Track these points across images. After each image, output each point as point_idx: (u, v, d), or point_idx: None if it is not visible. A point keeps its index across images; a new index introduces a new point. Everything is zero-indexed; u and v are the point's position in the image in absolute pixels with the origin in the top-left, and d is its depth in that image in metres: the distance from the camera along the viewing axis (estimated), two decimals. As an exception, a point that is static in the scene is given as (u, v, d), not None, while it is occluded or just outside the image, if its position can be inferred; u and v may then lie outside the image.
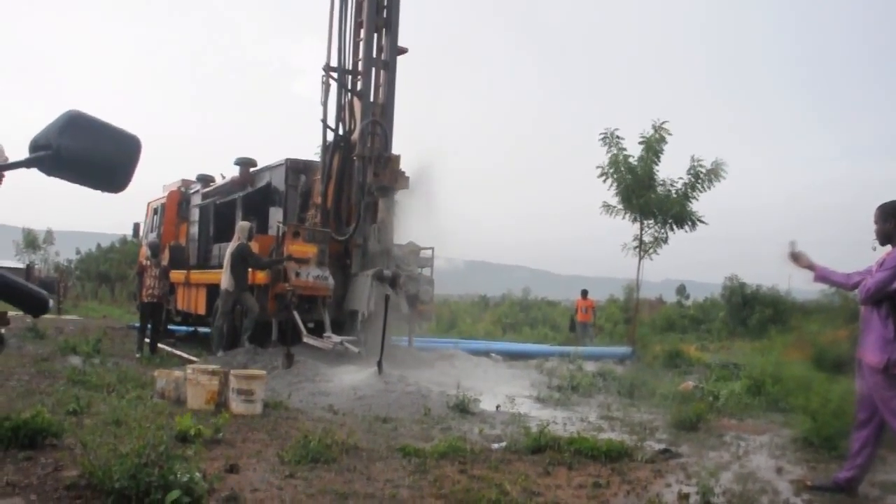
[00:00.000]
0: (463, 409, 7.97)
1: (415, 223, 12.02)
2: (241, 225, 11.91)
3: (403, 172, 11.98)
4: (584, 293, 22.22)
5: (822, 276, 5.55)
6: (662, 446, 6.62)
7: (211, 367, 7.91)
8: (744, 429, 7.99)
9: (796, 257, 5.56)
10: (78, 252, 46.38)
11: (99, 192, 2.07)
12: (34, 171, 1.98)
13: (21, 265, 34.68)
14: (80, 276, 41.11)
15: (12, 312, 2.90)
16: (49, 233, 48.54)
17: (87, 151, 1.95)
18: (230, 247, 11.58)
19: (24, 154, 2.00)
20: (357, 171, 12.00)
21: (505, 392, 8.92)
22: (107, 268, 39.99)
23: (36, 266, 37.52)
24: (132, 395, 7.72)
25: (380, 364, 9.38)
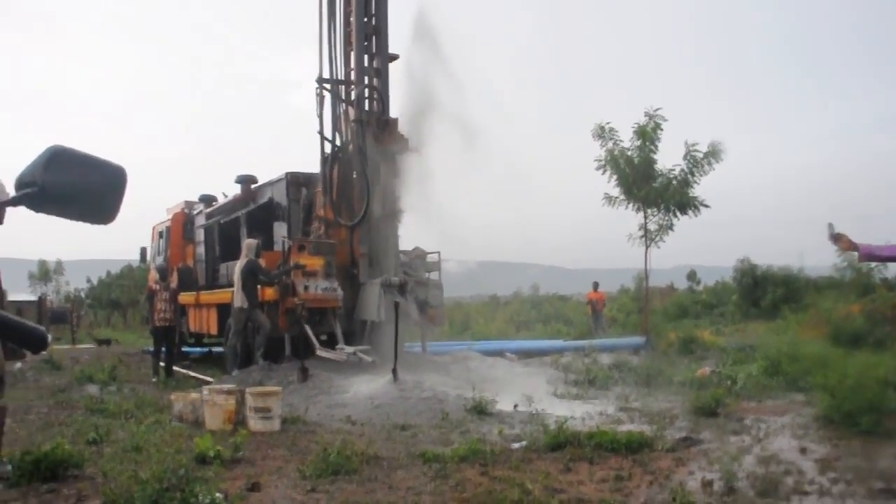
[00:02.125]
0: (480, 410, 7.95)
1: (417, 187, 11.81)
2: (248, 242, 11.92)
3: (403, 135, 11.96)
4: (595, 286, 22.23)
5: (867, 253, 5.34)
6: (683, 434, 6.60)
7: (227, 386, 7.92)
8: (764, 411, 7.96)
9: (837, 238, 5.33)
10: (88, 280, 46.60)
11: (88, 224, 2.08)
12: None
13: (34, 297, 34.82)
14: (91, 304, 41.26)
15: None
16: (59, 263, 48.79)
17: (72, 186, 1.95)
18: (238, 264, 11.59)
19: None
20: (356, 136, 12.00)
21: (521, 391, 8.89)
22: (118, 294, 40.11)
23: (48, 297, 37.68)
24: (150, 420, 7.74)
25: (394, 371, 9.38)
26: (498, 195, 11.18)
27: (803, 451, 5.95)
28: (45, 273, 47.91)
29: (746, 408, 8.16)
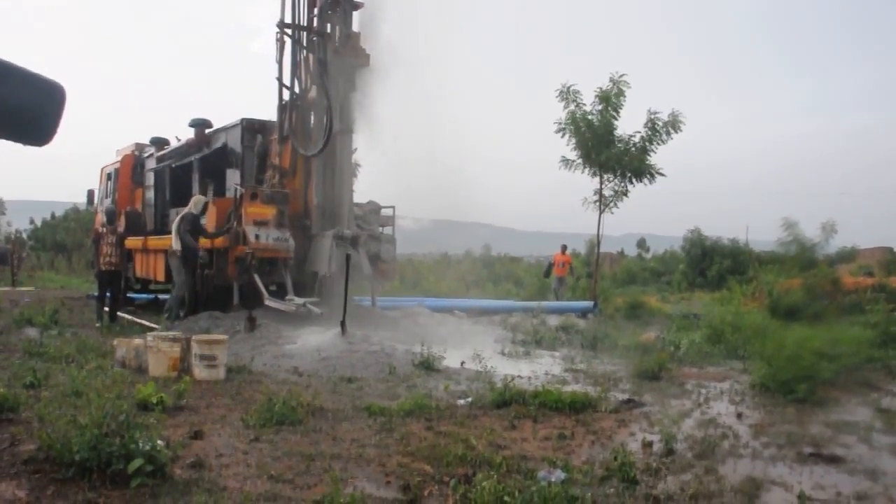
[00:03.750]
0: (428, 366, 8.00)
1: (376, 103, 11.67)
2: (197, 198, 11.79)
3: (364, 49, 11.74)
4: (564, 248, 22.34)
5: None
6: (626, 396, 6.73)
7: (172, 333, 7.80)
8: (704, 376, 8.16)
9: None
10: (32, 221, 45.16)
11: (21, 145, 1.82)
12: None
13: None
14: (34, 246, 40.05)
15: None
16: (0, 202, 47.11)
17: (3, 100, 1.71)
18: (179, 215, 11.51)
19: None
20: (317, 49, 11.78)
21: (469, 348, 8.94)
22: (63, 237, 38.99)
23: (-13, 237, 36.49)
24: (92, 365, 7.56)
25: (343, 324, 9.35)
26: (452, 152, 11.06)
27: (740, 416, 6.13)
28: (-18, 211, 46.22)
29: (688, 373, 8.36)
